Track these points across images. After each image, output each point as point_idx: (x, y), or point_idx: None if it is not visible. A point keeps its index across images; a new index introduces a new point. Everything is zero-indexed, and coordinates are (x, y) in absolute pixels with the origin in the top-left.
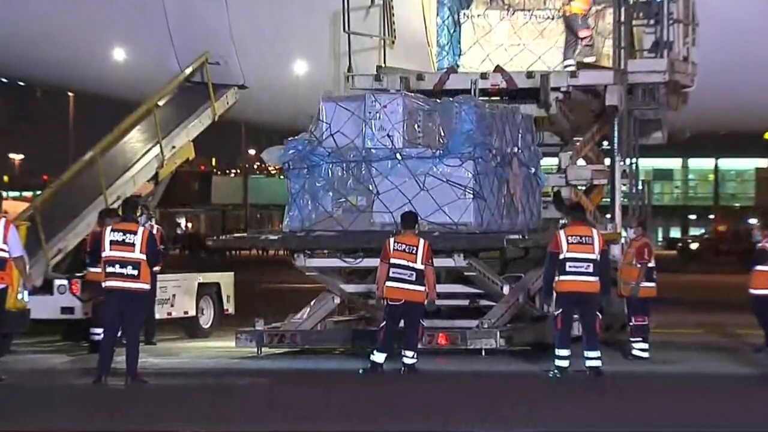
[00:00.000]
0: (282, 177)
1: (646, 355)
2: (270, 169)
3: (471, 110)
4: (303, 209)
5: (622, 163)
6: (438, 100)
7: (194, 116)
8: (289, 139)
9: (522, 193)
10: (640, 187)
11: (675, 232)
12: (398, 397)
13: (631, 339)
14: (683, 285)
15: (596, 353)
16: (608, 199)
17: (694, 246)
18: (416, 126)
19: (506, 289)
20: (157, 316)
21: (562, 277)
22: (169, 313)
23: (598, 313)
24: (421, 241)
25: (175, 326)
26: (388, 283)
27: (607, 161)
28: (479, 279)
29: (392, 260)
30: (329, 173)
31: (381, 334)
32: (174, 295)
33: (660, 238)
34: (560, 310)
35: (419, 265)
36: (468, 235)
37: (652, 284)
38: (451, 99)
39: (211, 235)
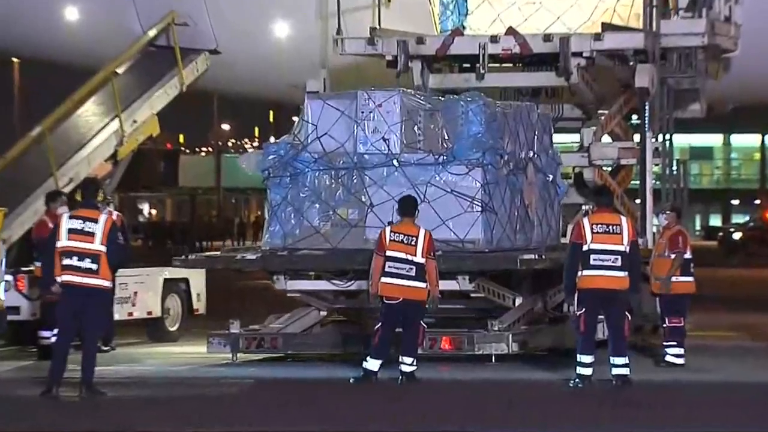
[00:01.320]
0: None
1: (681, 361)
2: (246, 146)
3: (479, 109)
4: (285, 224)
5: (654, 140)
6: (441, 98)
7: (159, 86)
8: (269, 143)
9: (538, 204)
10: (674, 167)
11: (715, 220)
12: (395, 409)
13: (665, 343)
14: (724, 281)
15: (624, 359)
16: (638, 182)
17: (737, 236)
18: (416, 128)
19: (518, 301)
20: (117, 316)
21: (586, 272)
22: (130, 314)
23: (626, 313)
24: (422, 230)
25: (137, 329)
26: (384, 279)
27: (637, 138)
28: (489, 300)
29: (389, 252)
30: (315, 182)
31: (375, 338)
32: (136, 293)
33: (698, 227)
34: (583, 309)
35: (419, 258)
36: (475, 255)
37: (689, 279)
38: (456, 96)
39: (179, 223)
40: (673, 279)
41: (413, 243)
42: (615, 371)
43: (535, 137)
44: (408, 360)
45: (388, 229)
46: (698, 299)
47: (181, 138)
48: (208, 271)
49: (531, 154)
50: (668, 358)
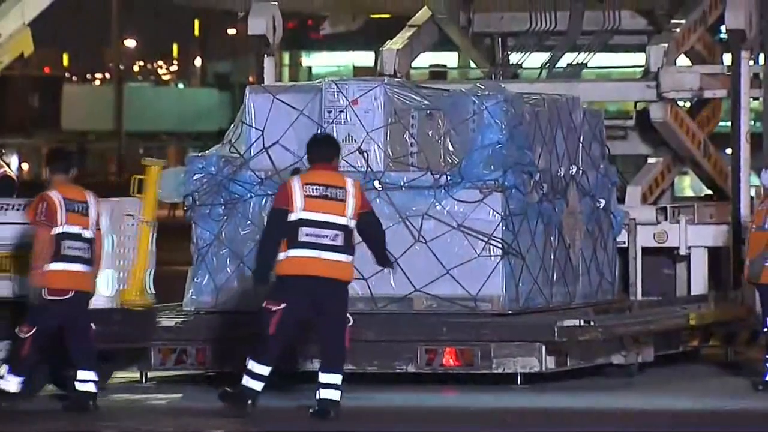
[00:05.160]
0: (177, 86)
1: None
2: (161, 72)
3: (499, 108)
4: (217, 273)
5: (752, 62)
6: (446, 91)
7: None
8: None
9: (584, 241)
10: None
11: None
12: None
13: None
14: None
15: (339, 377)
16: (728, 123)
17: None
18: (407, 135)
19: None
20: None
21: (294, 252)
22: None
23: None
24: (90, 194)
25: None
26: (56, 266)
27: (728, 59)
28: None
29: (66, 228)
30: (262, 213)
31: (24, 349)
32: None
33: None
34: (283, 305)
35: (90, 233)
36: (494, 319)
37: None
38: (464, 90)
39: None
40: None
41: (86, 212)
42: (326, 394)
43: (580, 146)
44: (89, 375)
45: (56, 195)
46: None
47: (66, 59)
48: None
49: (573, 170)
50: None
